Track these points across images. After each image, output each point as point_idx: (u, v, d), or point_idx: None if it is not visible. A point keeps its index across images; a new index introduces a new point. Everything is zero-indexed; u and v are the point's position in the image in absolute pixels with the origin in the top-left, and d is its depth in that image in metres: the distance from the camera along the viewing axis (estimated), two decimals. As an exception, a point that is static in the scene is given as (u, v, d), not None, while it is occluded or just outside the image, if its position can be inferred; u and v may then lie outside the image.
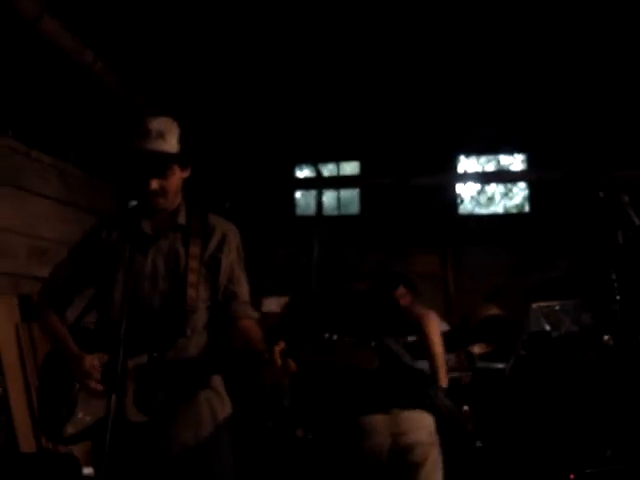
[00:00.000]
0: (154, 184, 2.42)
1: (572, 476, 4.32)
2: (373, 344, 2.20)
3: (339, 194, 11.07)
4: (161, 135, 2.42)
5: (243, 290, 2.62)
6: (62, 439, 2.45)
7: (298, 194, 11.14)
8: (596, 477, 4.29)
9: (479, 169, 10.85)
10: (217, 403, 2.56)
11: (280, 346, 2.18)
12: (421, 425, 2.95)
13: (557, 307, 5.41)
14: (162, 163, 2.43)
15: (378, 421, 2.91)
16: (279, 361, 2.16)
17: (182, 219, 2.58)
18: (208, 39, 6.84)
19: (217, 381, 2.59)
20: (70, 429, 2.40)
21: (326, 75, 7.85)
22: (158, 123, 2.44)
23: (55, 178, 5.54)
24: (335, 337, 2.20)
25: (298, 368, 2.18)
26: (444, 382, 3.58)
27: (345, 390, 3.07)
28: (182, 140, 2.48)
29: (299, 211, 11.12)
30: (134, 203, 2.68)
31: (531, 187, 10.11)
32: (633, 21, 6.68)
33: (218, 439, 2.52)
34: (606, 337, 4.66)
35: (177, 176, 2.51)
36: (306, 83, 7.99)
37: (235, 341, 2.52)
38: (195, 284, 2.49)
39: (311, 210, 10.73)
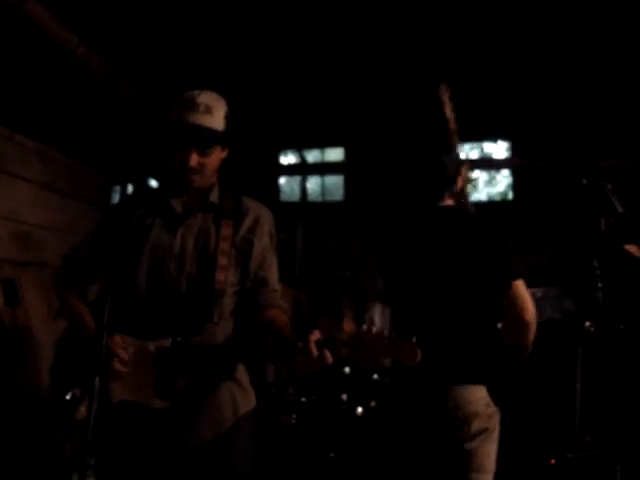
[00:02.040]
0: (193, 161, 2.35)
1: (553, 461, 4.36)
2: (414, 339, 2.05)
3: (323, 180, 11.05)
4: (209, 110, 2.35)
5: (273, 277, 2.55)
6: (73, 422, 2.33)
7: (282, 180, 11.11)
8: (576, 462, 4.33)
9: (463, 156, 10.86)
10: (240, 396, 2.47)
11: (315, 336, 2.06)
12: (476, 397, 2.80)
13: (539, 294, 5.45)
14: (206, 139, 2.36)
15: (427, 395, 2.84)
16: (315, 352, 2.03)
17: (214, 198, 2.50)
18: (193, 25, 6.79)
19: (241, 373, 2.50)
20: (84, 412, 2.27)
21: (311, 61, 7.81)
22: (206, 97, 2.37)
23: (38, 162, 5.48)
24: (375, 329, 2.06)
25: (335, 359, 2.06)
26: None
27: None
28: (228, 118, 2.42)
29: (283, 197, 11.08)
30: (117, 188, 2.61)
31: (514, 175, 10.13)
32: (618, 11, 6.70)
33: (239, 434, 2.42)
34: (587, 324, 4.69)
35: (217, 155, 2.44)
36: (291, 68, 7.95)
37: (261, 330, 2.42)
38: (225, 267, 2.39)
39: (295, 196, 10.70)
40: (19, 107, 5.57)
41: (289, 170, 10.77)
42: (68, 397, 2.34)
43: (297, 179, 10.48)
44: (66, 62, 5.71)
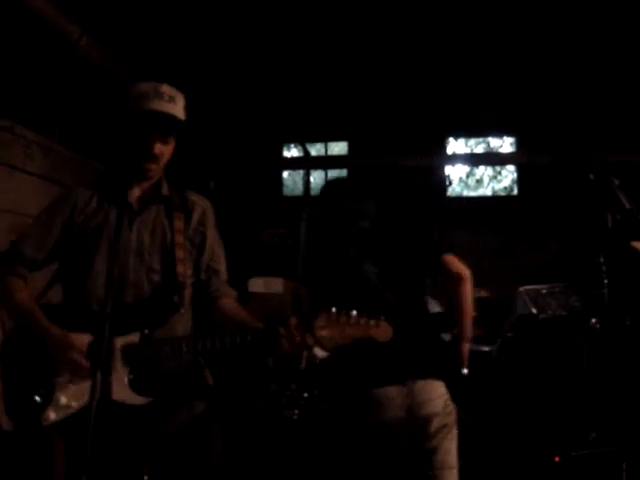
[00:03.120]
0: (157, 148, 2.36)
1: (557, 458, 4.34)
2: (383, 317, 2.19)
3: (327, 174, 11.03)
4: (172, 99, 2.39)
5: (223, 268, 2.60)
6: (40, 427, 2.27)
7: (285, 174, 11.09)
8: (581, 460, 4.30)
9: (468, 151, 10.84)
10: (207, 375, 2.53)
11: (294, 321, 2.17)
12: (436, 395, 2.91)
13: (544, 291, 5.41)
14: (170, 127, 2.38)
15: (393, 393, 2.86)
16: (297, 336, 2.16)
17: (165, 190, 2.51)
18: (196, 18, 6.76)
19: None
20: (52, 416, 2.24)
21: (315, 55, 7.78)
22: (167, 88, 2.41)
23: (40, 155, 5.47)
24: (345, 310, 2.17)
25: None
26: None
27: (359, 360, 3.02)
28: (186, 110, 2.45)
29: (286, 191, 11.07)
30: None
31: (519, 170, 10.10)
32: (623, 6, 6.66)
33: (211, 415, 2.48)
34: (593, 320, 4.66)
35: (173, 146, 2.45)
36: (295, 62, 7.93)
37: (221, 320, 2.47)
38: (182, 260, 2.43)
39: (298, 190, 10.69)
40: (20, 99, 5.54)
41: (292, 164, 10.75)
42: (36, 400, 2.26)
43: (300, 173, 10.46)
44: (68, 53, 5.68)
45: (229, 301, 2.55)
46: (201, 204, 2.60)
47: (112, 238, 2.32)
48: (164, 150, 2.40)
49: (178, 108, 2.41)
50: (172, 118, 2.37)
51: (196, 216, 2.54)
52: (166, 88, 2.40)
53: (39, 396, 2.26)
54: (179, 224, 2.47)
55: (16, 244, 2.48)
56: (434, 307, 4.88)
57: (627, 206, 3.53)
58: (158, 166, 2.42)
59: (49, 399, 2.25)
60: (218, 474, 2.46)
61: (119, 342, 2.24)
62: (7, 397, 2.32)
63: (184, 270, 2.43)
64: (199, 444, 2.40)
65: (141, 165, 2.39)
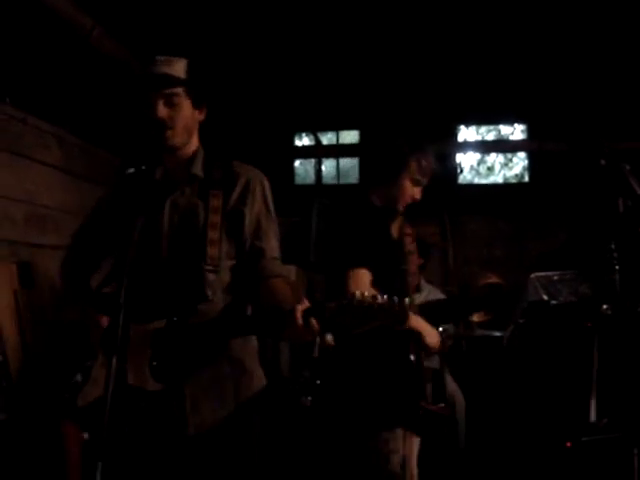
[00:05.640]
0: (161, 111, 2.29)
1: (568, 444, 4.35)
2: (407, 300, 2.01)
3: (338, 163, 11.03)
4: (168, 62, 2.33)
5: (270, 245, 2.46)
6: (76, 411, 2.26)
7: (297, 163, 11.10)
8: (592, 445, 4.31)
9: (479, 139, 10.82)
10: (242, 379, 2.40)
11: (304, 305, 2.04)
12: None
13: (555, 277, 5.41)
14: (167, 84, 2.30)
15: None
16: (300, 320, 2.01)
17: (198, 169, 2.41)
18: (209, 7, 6.77)
19: (244, 354, 2.43)
20: (80, 401, 2.25)
21: (326, 43, 7.77)
22: (165, 56, 2.36)
23: (53, 145, 5.49)
24: (364, 294, 2.00)
25: (322, 329, 2.04)
26: None
27: None
28: (191, 70, 2.37)
29: (298, 180, 11.08)
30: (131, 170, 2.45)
31: (530, 157, 10.07)
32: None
33: (240, 421, 2.36)
34: (605, 307, 4.67)
35: (187, 109, 2.36)
36: (306, 50, 7.92)
37: (263, 302, 2.36)
38: (216, 241, 2.31)
39: (310, 179, 10.70)
40: (34, 89, 5.57)
41: (304, 152, 10.74)
42: (74, 381, 2.30)
43: (312, 162, 10.46)
44: (81, 44, 5.70)
45: (274, 282, 2.38)
46: (246, 175, 2.46)
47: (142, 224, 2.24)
48: (172, 114, 2.31)
49: (175, 68, 2.32)
50: (167, 76, 2.30)
51: (237, 190, 2.41)
52: (162, 56, 2.36)
53: (79, 378, 2.29)
54: (215, 202, 2.34)
55: (73, 238, 2.55)
56: (437, 294, 4.91)
57: (638, 192, 3.53)
58: (173, 132, 2.32)
59: (86, 381, 2.28)
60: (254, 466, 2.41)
61: (148, 328, 2.22)
62: (58, 384, 2.37)
63: (218, 252, 2.31)
64: (222, 448, 2.32)
65: (155, 136, 2.30)
